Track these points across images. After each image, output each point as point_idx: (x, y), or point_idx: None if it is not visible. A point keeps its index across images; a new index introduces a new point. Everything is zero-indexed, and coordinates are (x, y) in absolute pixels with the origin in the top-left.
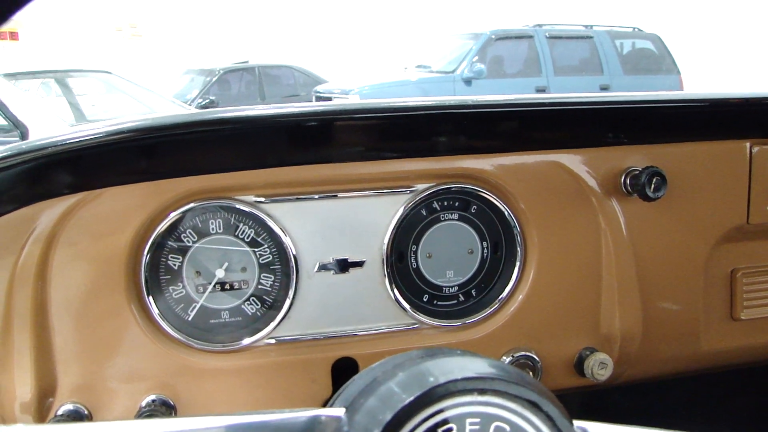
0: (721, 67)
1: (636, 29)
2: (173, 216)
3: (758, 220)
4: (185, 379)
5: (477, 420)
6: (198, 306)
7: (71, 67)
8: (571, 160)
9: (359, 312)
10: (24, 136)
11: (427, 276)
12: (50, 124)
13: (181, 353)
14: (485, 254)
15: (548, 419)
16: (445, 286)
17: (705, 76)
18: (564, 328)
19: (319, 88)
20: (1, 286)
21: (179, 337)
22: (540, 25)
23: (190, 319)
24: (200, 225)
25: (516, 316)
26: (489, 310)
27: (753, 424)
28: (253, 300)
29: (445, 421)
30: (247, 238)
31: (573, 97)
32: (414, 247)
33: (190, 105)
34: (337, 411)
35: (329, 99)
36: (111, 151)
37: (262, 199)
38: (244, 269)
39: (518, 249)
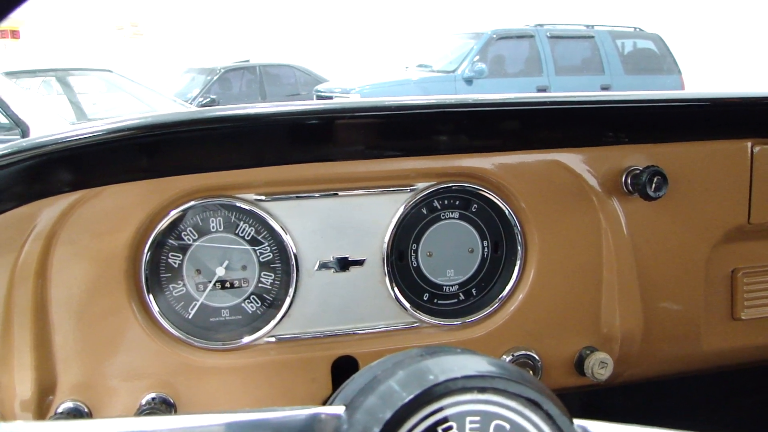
0: (722, 67)
1: (637, 29)
2: (174, 214)
3: (759, 220)
4: (185, 377)
5: (477, 418)
6: (198, 304)
7: (72, 65)
8: (572, 159)
9: (359, 311)
10: (25, 134)
11: (427, 275)
12: (51, 123)
13: (181, 351)
14: (486, 253)
15: (548, 418)
16: (446, 285)
17: (706, 76)
18: (564, 327)
19: (319, 87)
20: (1, 284)
21: (179, 335)
22: (541, 25)
23: (190, 317)
24: (201, 223)
25: (516, 315)
26: (489, 309)
27: (754, 424)
28: (253, 298)
29: (445, 420)
30: (248, 236)
31: (574, 96)
32: (414, 246)
33: (191, 104)
34: (337, 409)
35: (330, 98)
36: (111, 148)
37: (263, 198)
38: (244, 267)
39: (519, 248)
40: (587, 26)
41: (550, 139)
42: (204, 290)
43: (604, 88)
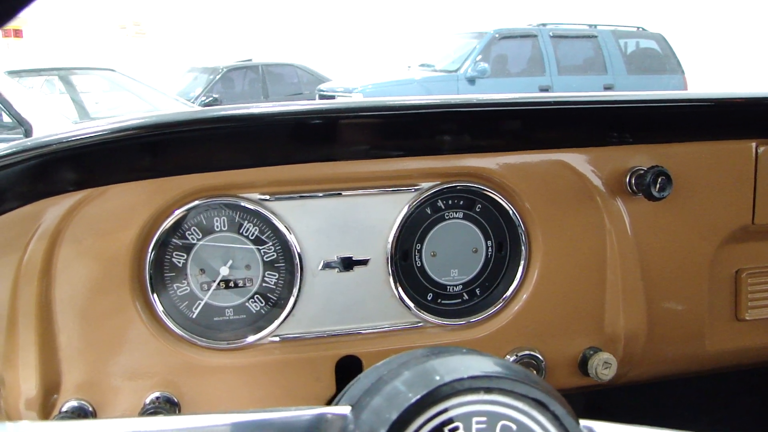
0: (725, 68)
1: (640, 29)
2: (178, 213)
3: (763, 221)
4: (189, 377)
5: (483, 419)
6: (202, 303)
7: (75, 64)
8: (576, 159)
9: (363, 310)
10: (28, 133)
11: (431, 275)
12: (54, 122)
13: (185, 350)
14: (490, 253)
15: (555, 418)
16: (450, 285)
17: (709, 77)
18: (568, 327)
19: (322, 86)
20: (6, 284)
21: (183, 334)
22: (544, 24)
23: (194, 316)
24: (205, 222)
25: (520, 316)
26: (493, 309)
27: (757, 424)
28: (257, 298)
29: (451, 420)
30: (252, 235)
31: (578, 96)
32: (418, 246)
33: (193, 103)
34: (343, 409)
35: (332, 97)
36: (116, 148)
37: (267, 197)
38: (248, 267)
39: (523, 248)
40: (590, 26)
41: (554, 139)
42: (208, 289)
43: (607, 88)
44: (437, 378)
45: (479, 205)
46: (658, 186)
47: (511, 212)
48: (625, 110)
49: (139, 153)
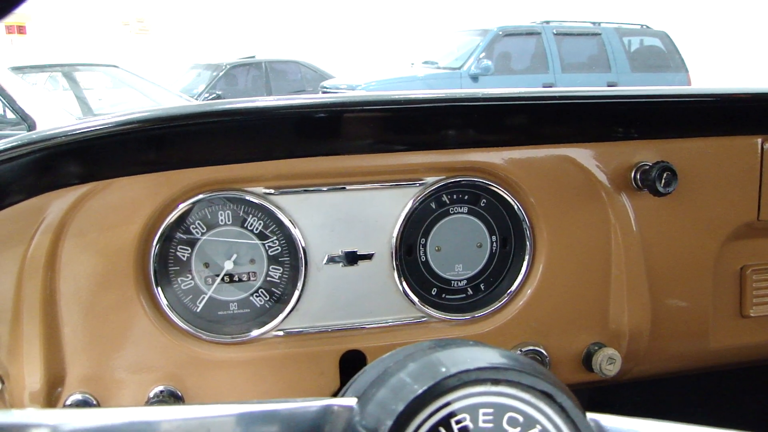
0: (729, 66)
1: (644, 26)
2: (182, 207)
3: None
4: (193, 371)
5: (490, 410)
6: (206, 297)
7: (78, 61)
8: (582, 154)
9: (368, 305)
10: (31, 129)
11: (435, 269)
12: (57, 118)
13: (189, 344)
14: (494, 248)
15: (562, 410)
16: (454, 280)
17: (713, 74)
18: (572, 322)
19: (325, 83)
20: (10, 277)
21: (187, 328)
22: (547, 22)
23: (198, 310)
24: (209, 216)
25: (524, 311)
26: (497, 305)
27: (762, 422)
28: (261, 292)
29: (457, 412)
30: (256, 230)
31: (583, 91)
32: (423, 241)
33: (196, 99)
34: (349, 401)
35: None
36: (120, 141)
37: (272, 191)
38: (252, 261)
39: (527, 243)
40: (594, 23)
41: (559, 134)
42: (212, 284)
43: (611, 86)
44: (443, 370)
45: (484, 200)
46: (663, 181)
47: (515, 207)
48: (630, 105)
49: (143, 146)
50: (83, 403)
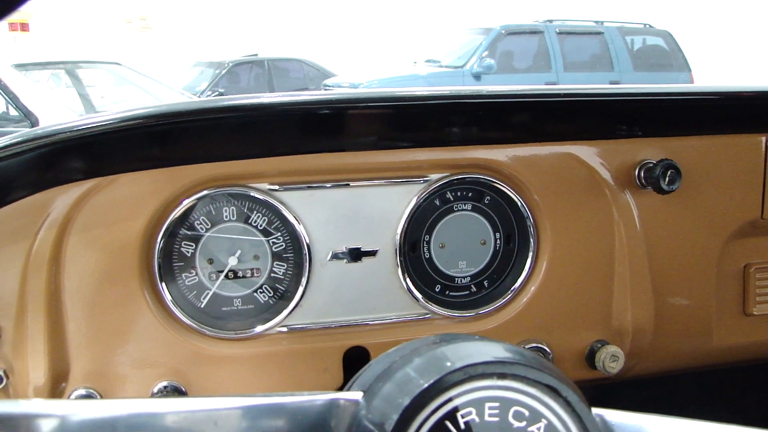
0: (732, 65)
1: (647, 25)
2: (187, 203)
3: None
4: (197, 366)
5: (496, 404)
6: (210, 293)
7: (81, 58)
8: (586, 151)
9: (371, 301)
10: (34, 126)
11: (439, 266)
12: (60, 115)
13: (193, 340)
14: (498, 245)
15: (567, 405)
16: (458, 277)
17: (716, 74)
18: (576, 320)
19: (328, 81)
20: (15, 272)
21: (192, 324)
22: (550, 21)
23: (202, 306)
24: (213, 212)
25: (528, 308)
26: (501, 302)
27: (765, 420)
28: (265, 288)
29: (464, 405)
30: (260, 226)
31: (588, 88)
32: (427, 237)
33: (199, 97)
34: (355, 395)
35: None
36: (125, 137)
37: (276, 187)
38: (256, 257)
39: (531, 240)
40: (597, 22)
41: (563, 131)
42: (216, 280)
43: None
44: (449, 364)
45: (488, 197)
46: (667, 179)
47: (519, 204)
48: (634, 103)
49: (148, 142)
50: (87, 398)
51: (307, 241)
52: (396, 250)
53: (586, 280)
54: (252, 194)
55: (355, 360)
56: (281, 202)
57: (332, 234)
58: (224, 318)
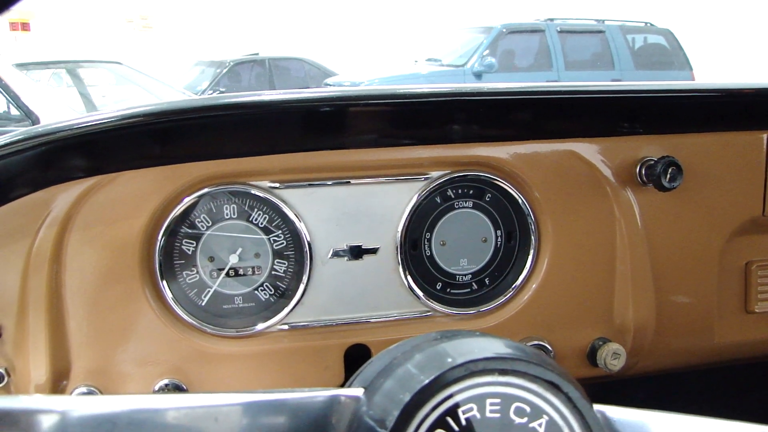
0: (734, 64)
1: (648, 24)
2: (188, 201)
3: None
4: (198, 364)
5: (497, 401)
6: (211, 291)
7: (82, 57)
8: (587, 149)
9: (372, 299)
10: (35, 125)
11: (440, 264)
12: (61, 114)
13: (194, 338)
14: (499, 243)
15: (569, 401)
16: (459, 274)
17: (717, 73)
18: (577, 317)
19: (329, 80)
20: (16, 270)
21: (193, 321)
22: (551, 19)
23: (203, 304)
24: (214, 210)
25: (529, 305)
26: (502, 299)
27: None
28: (266, 286)
29: (465, 402)
30: (261, 224)
31: (589, 85)
32: (428, 235)
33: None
34: (356, 391)
35: None
36: (125, 135)
37: (277, 185)
38: (257, 255)
39: (532, 238)
40: (598, 21)
41: (564, 128)
42: (217, 277)
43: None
44: (450, 360)
45: (489, 195)
46: (668, 176)
47: (520, 202)
48: (635, 100)
49: (149, 140)
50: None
51: (308, 238)
52: (397, 247)
53: (588, 277)
54: (253, 192)
55: (356, 358)
56: (282, 200)
57: (333, 231)
58: (225, 316)
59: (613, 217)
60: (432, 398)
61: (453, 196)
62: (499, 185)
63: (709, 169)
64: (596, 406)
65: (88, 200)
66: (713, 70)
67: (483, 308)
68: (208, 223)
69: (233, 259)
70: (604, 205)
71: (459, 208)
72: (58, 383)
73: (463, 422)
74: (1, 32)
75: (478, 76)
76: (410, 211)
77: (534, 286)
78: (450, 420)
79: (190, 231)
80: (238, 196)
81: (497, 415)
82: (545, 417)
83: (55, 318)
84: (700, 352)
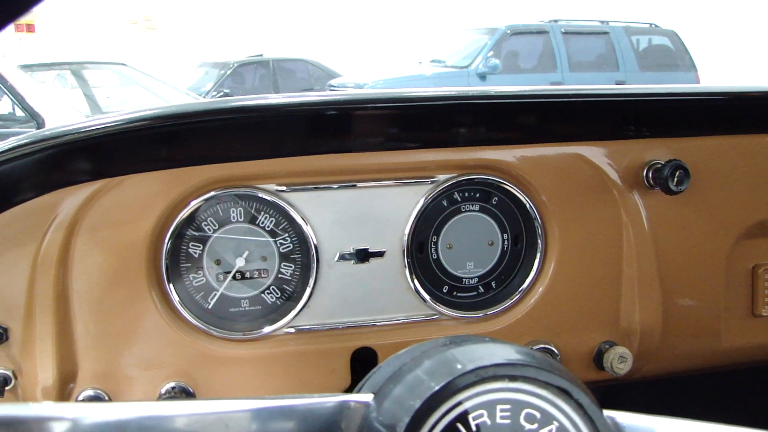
0: (739, 65)
1: (653, 25)
2: (194, 204)
3: None
4: (205, 367)
5: (508, 407)
6: (218, 294)
7: (87, 59)
8: (593, 152)
9: (379, 302)
10: (40, 126)
11: (447, 267)
12: (66, 116)
13: (200, 341)
14: (506, 246)
15: (579, 407)
16: (465, 278)
17: (723, 74)
18: (584, 321)
19: (333, 82)
20: (23, 273)
21: (199, 324)
22: (556, 21)
23: (210, 307)
24: (221, 214)
25: (536, 309)
26: (509, 302)
27: None
28: (273, 289)
29: (475, 408)
30: (268, 227)
31: (595, 89)
32: (434, 238)
33: (204, 98)
34: (366, 397)
35: None
36: (132, 138)
37: (284, 188)
38: (264, 258)
39: (539, 241)
40: (602, 22)
41: (571, 132)
42: (224, 280)
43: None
44: (459, 366)
45: (495, 198)
46: (675, 179)
47: (527, 205)
48: (642, 104)
49: (155, 143)
50: (95, 399)
51: (315, 242)
52: (403, 250)
53: (594, 280)
54: (259, 195)
55: (362, 361)
56: (288, 203)
57: (340, 235)
58: (232, 319)
59: (619, 221)
60: (442, 405)
61: (460, 200)
62: (505, 188)
63: (717, 172)
64: (606, 412)
65: (94, 203)
66: (718, 71)
67: (489, 312)
68: (215, 226)
69: (240, 262)
70: (610, 209)
71: (465, 211)
72: (65, 386)
73: (474, 429)
74: (6, 34)
75: (482, 77)
76: (417, 214)
77: (540, 289)
78: (460, 426)
79: (196, 234)
80: (245, 199)
81: (507, 421)
82: (555, 423)
83: (61, 321)
84: (707, 356)
